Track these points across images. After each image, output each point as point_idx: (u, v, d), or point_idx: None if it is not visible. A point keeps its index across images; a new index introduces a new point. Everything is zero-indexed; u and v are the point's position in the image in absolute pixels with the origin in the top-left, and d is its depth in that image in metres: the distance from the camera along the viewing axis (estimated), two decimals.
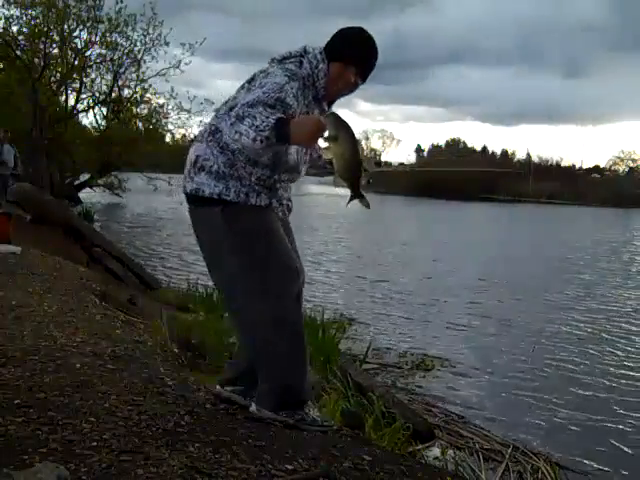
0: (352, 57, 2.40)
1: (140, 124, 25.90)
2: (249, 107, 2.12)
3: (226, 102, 2.41)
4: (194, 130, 29.03)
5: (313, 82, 2.38)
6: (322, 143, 2.23)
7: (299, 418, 2.42)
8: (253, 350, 2.44)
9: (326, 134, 2.12)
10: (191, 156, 2.38)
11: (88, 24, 21.87)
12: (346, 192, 2.27)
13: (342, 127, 2.13)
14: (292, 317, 2.41)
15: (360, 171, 2.19)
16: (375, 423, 4.05)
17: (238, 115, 2.12)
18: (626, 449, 5.03)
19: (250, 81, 2.34)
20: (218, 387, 2.60)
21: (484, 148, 72.04)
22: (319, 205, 37.65)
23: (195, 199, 2.37)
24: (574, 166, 64.43)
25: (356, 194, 2.23)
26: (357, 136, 2.18)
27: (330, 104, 2.54)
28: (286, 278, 2.38)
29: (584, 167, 64.73)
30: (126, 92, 24.63)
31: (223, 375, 2.66)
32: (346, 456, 2.19)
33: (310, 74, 2.37)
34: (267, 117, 2.07)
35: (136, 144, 24.33)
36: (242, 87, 2.38)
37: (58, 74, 23.22)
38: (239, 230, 2.34)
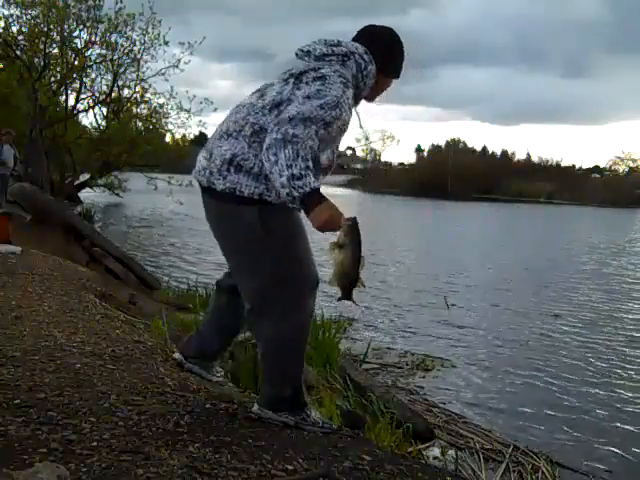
0: (392, 69, 2.44)
1: (140, 124, 25.91)
2: (303, 123, 2.04)
3: (262, 92, 2.29)
4: (194, 130, 29.04)
5: (357, 84, 2.32)
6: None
7: (301, 419, 2.43)
8: (272, 353, 2.41)
9: (336, 236, 2.13)
10: (224, 153, 2.26)
11: (88, 24, 21.88)
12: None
13: (353, 238, 2.12)
14: (310, 322, 2.46)
15: (354, 282, 2.23)
16: (375, 423, 4.05)
17: (287, 136, 2.02)
18: (626, 449, 5.03)
19: (298, 76, 2.21)
20: (179, 355, 2.73)
21: (484, 148, 72.08)
22: None
23: (228, 197, 2.25)
24: (574, 166, 64.43)
25: (345, 298, 2.29)
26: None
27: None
28: (310, 282, 2.41)
29: (584, 167, 64.78)
30: (126, 92, 24.66)
31: (186, 344, 2.77)
32: (346, 456, 2.19)
33: (356, 75, 2.31)
34: (307, 176, 1.99)
35: (136, 144, 24.33)
36: (285, 81, 2.23)
37: (58, 74, 23.22)
38: (275, 231, 2.28)
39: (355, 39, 2.41)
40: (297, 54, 2.36)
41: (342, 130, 2.26)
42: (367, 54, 2.33)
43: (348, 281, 2.22)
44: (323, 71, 2.21)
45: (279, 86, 2.25)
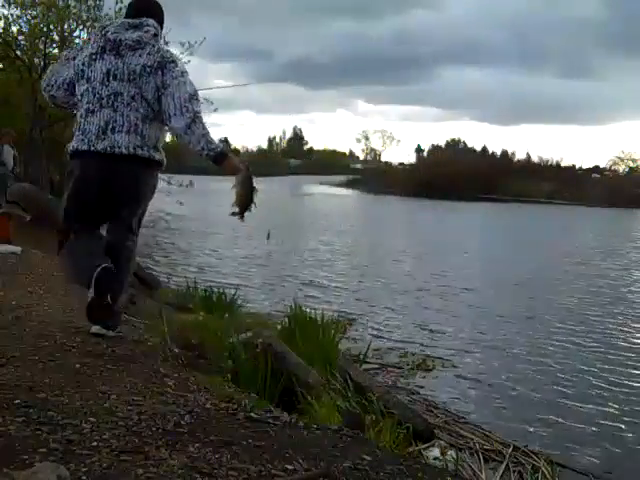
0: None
1: None
2: (197, 103, 3.02)
3: (130, 79, 3.02)
4: None
5: None
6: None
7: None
8: (127, 271, 3.31)
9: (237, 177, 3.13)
10: (155, 135, 3.13)
11: (88, 24, 21.84)
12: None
13: (246, 177, 3.13)
14: None
15: (247, 208, 3.18)
16: (375, 423, 4.05)
17: (195, 114, 2.98)
18: (626, 449, 5.04)
19: (160, 66, 3.01)
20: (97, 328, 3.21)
21: (484, 148, 72.08)
22: (318, 205, 37.63)
23: (157, 164, 3.19)
24: (574, 166, 64.32)
25: (239, 214, 3.19)
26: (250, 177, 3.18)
27: None
28: None
29: (584, 167, 64.65)
30: None
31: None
32: (346, 456, 2.18)
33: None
34: (213, 139, 3.00)
35: None
36: (152, 73, 3.00)
37: None
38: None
39: (142, 11, 3.20)
40: (137, 41, 3.04)
41: None
42: (159, 31, 3.20)
43: (244, 208, 3.17)
44: (167, 55, 3.08)
45: (153, 80, 3.01)
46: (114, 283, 3.06)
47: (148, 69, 3.00)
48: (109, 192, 3.08)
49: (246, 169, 3.10)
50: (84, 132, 3.05)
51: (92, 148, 3.01)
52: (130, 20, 3.12)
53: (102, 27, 3.16)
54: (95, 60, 3.04)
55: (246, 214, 3.19)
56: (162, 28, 3.24)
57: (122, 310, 3.58)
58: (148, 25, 3.11)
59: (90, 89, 3.04)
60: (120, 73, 3.00)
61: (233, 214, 3.19)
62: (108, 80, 3.01)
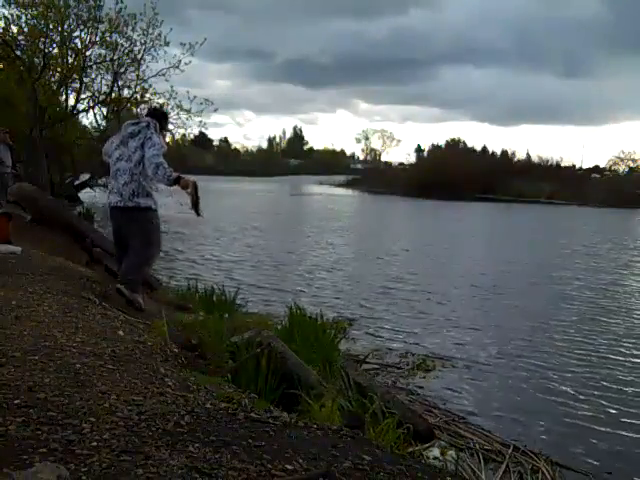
0: (164, 127, 5.55)
1: None
2: (159, 157, 4.88)
3: (128, 158, 5.08)
4: (194, 130, 29.00)
5: (157, 131, 5.17)
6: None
7: (136, 294, 5.09)
8: (140, 263, 5.22)
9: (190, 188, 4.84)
10: (129, 190, 5.04)
11: (88, 24, 21.83)
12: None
13: (195, 188, 4.84)
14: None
15: (197, 207, 4.87)
16: (375, 423, 4.05)
17: (157, 165, 4.84)
18: (626, 449, 5.04)
19: (144, 142, 5.01)
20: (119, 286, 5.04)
21: (484, 148, 72.04)
22: (318, 205, 37.64)
23: (141, 209, 5.08)
24: (574, 166, 64.33)
25: (197, 213, 4.90)
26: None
27: None
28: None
29: (584, 167, 64.67)
30: (126, 92, 24.58)
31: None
32: (346, 456, 2.19)
33: (156, 129, 5.16)
34: (171, 172, 4.81)
35: None
36: (139, 147, 5.02)
37: (58, 74, 23.17)
38: (157, 222, 5.28)
39: (148, 115, 5.36)
40: (131, 133, 5.09)
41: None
42: (152, 121, 5.17)
43: (197, 205, 4.86)
44: (149, 135, 5.03)
45: (139, 152, 5.02)
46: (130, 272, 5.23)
47: (137, 148, 5.02)
48: (122, 226, 5.21)
49: (193, 183, 4.86)
50: (109, 192, 5.24)
51: (111, 204, 5.17)
52: (133, 120, 5.39)
53: (124, 124, 5.33)
54: (117, 147, 5.15)
55: (201, 210, 4.90)
56: (163, 122, 5.47)
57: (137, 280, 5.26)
58: (142, 121, 5.19)
59: (112, 165, 5.17)
60: (125, 156, 5.07)
61: (197, 214, 4.93)
62: (118, 161, 5.10)
